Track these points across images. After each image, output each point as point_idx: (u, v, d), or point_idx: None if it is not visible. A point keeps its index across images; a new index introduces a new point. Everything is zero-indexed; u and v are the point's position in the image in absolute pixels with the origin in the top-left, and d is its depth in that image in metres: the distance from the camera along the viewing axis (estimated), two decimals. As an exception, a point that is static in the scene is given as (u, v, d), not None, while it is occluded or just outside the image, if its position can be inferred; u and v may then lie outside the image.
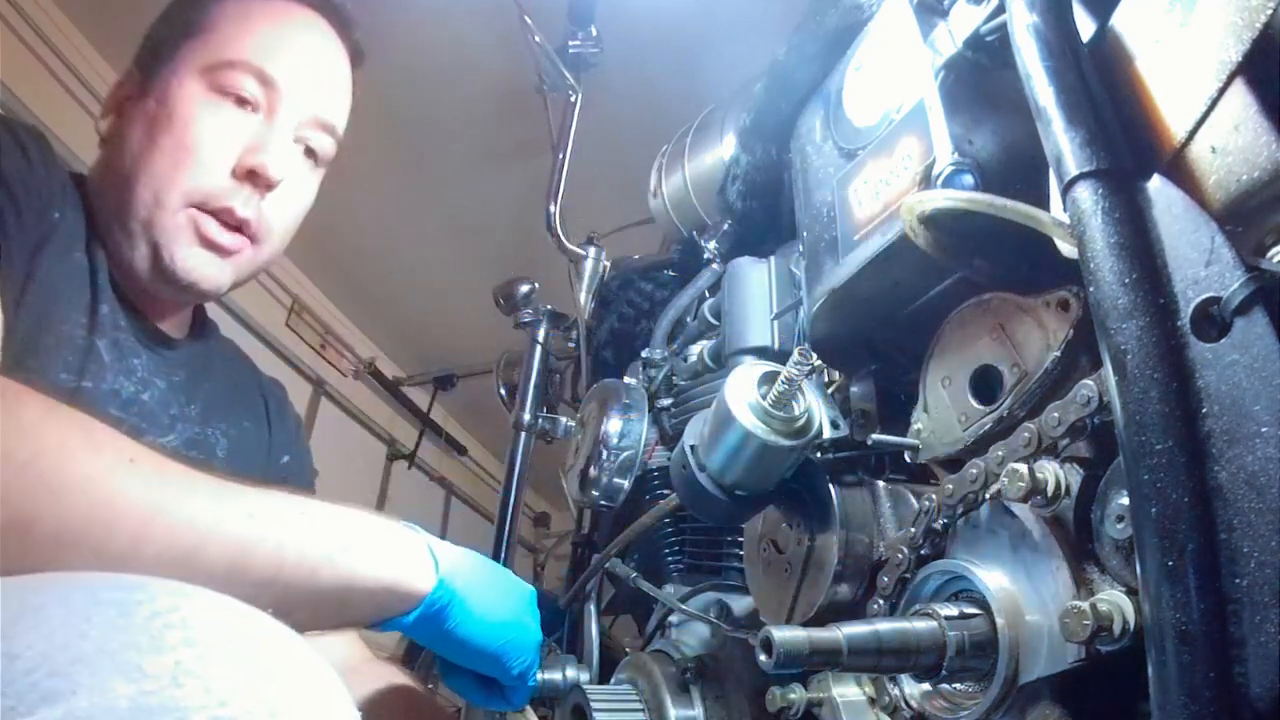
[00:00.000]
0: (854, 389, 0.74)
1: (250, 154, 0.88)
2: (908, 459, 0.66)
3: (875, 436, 0.67)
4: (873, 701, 0.65)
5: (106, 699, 0.36)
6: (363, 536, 0.65)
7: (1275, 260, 0.44)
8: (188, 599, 0.42)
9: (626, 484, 1.01)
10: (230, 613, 0.44)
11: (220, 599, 0.45)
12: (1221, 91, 0.45)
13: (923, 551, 0.61)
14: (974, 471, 0.57)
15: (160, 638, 0.39)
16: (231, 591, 0.49)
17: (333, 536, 0.62)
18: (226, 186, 0.88)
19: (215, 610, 0.43)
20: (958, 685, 0.58)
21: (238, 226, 0.89)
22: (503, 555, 1.47)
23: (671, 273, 1.21)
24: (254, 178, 0.89)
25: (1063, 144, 0.46)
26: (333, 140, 0.99)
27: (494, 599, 0.74)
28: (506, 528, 1.45)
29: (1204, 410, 0.40)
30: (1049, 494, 0.51)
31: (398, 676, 0.93)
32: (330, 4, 0.99)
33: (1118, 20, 0.52)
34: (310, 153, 0.97)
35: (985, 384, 0.60)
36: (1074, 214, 0.45)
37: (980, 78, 0.61)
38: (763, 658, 0.50)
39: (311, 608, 0.61)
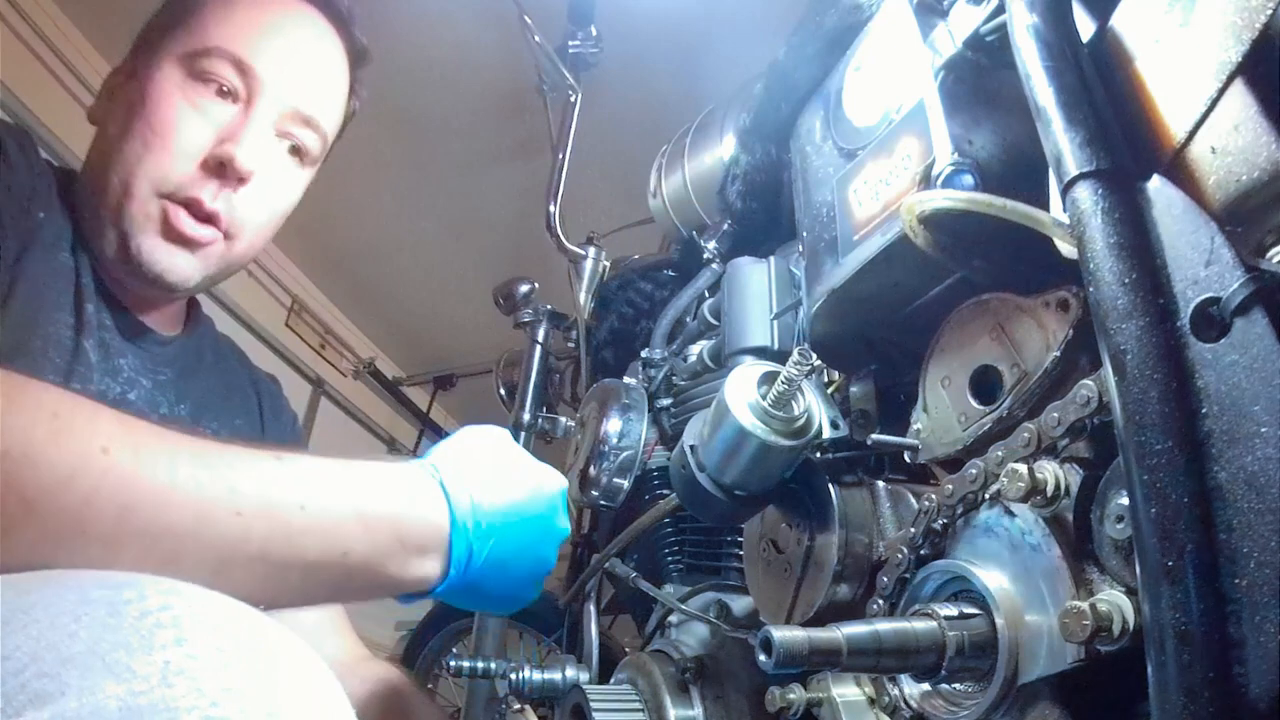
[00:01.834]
0: (854, 389, 0.74)
1: (221, 144, 0.86)
2: (907, 459, 0.66)
3: (875, 436, 0.67)
4: (872, 701, 0.65)
5: (96, 700, 0.35)
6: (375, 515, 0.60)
7: (1275, 260, 0.44)
8: (179, 597, 0.41)
9: (626, 484, 1.01)
10: (223, 610, 0.43)
11: (213, 596, 0.44)
12: (1221, 92, 0.45)
13: (922, 551, 0.61)
14: (973, 471, 0.57)
15: (150, 637, 0.38)
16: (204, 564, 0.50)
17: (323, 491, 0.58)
18: (194, 177, 0.85)
19: (208, 608, 0.42)
20: (957, 685, 0.58)
21: (208, 218, 0.86)
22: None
23: (671, 273, 1.21)
24: (223, 169, 0.86)
25: (1062, 144, 0.46)
26: (318, 136, 0.96)
27: (523, 543, 0.68)
28: (506, 528, 1.45)
29: (1204, 410, 0.40)
30: (1048, 494, 0.51)
31: (394, 675, 0.93)
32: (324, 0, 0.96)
33: (1117, 20, 0.52)
34: (294, 149, 0.94)
35: (985, 384, 0.60)
36: (1074, 214, 0.45)
37: (980, 78, 0.61)
38: (762, 658, 0.50)
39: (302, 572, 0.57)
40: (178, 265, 0.86)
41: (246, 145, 0.87)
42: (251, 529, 0.53)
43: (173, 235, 0.85)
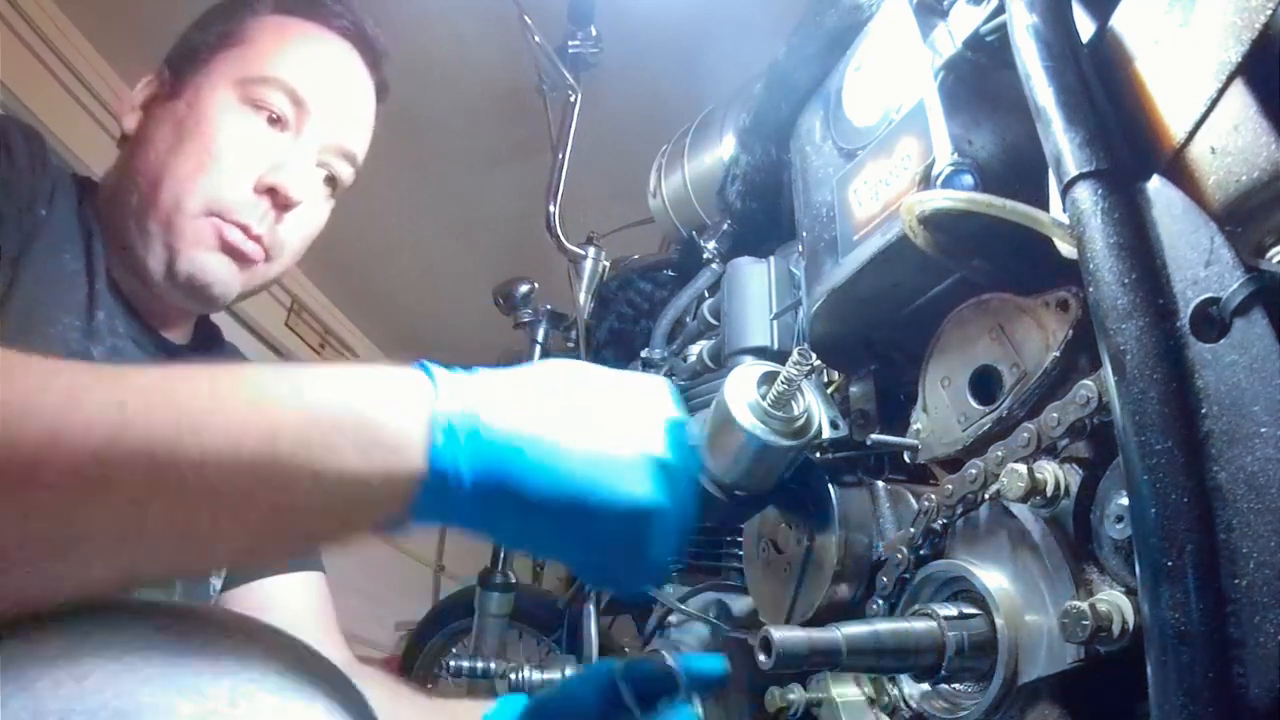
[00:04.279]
0: (854, 389, 0.74)
1: (273, 171, 0.89)
2: (907, 459, 0.66)
3: (875, 436, 0.67)
4: (872, 702, 0.65)
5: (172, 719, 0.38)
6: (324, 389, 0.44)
7: (1274, 260, 0.44)
8: (235, 629, 0.45)
9: (626, 484, 1.01)
10: (276, 640, 0.46)
11: (265, 628, 0.47)
12: (1221, 92, 0.45)
13: (922, 551, 0.61)
14: (973, 472, 0.57)
15: (216, 663, 0.41)
16: (164, 497, 0.39)
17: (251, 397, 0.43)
18: (246, 200, 0.88)
19: (263, 638, 0.46)
20: (957, 685, 0.58)
21: (255, 240, 0.90)
22: (501, 556, 1.47)
23: (671, 273, 1.21)
24: (274, 195, 0.89)
25: (1062, 144, 0.46)
26: (352, 169, 1.00)
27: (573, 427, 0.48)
28: (506, 528, 1.45)
29: (1203, 410, 0.40)
30: (1048, 494, 0.51)
31: (389, 681, 0.93)
32: (365, 37, 1.01)
33: (1117, 21, 0.52)
34: (330, 180, 0.98)
35: (985, 384, 0.60)
36: (1073, 214, 0.45)
37: (980, 78, 0.61)
38: (762, 658, 0.50)
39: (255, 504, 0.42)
40: (225, 277, 0.90)
41: (296, 174, 0.91)
42: (131, 419, 0.39)
43: (226, 248, 0.88)
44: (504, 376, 0.51)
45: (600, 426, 0.48)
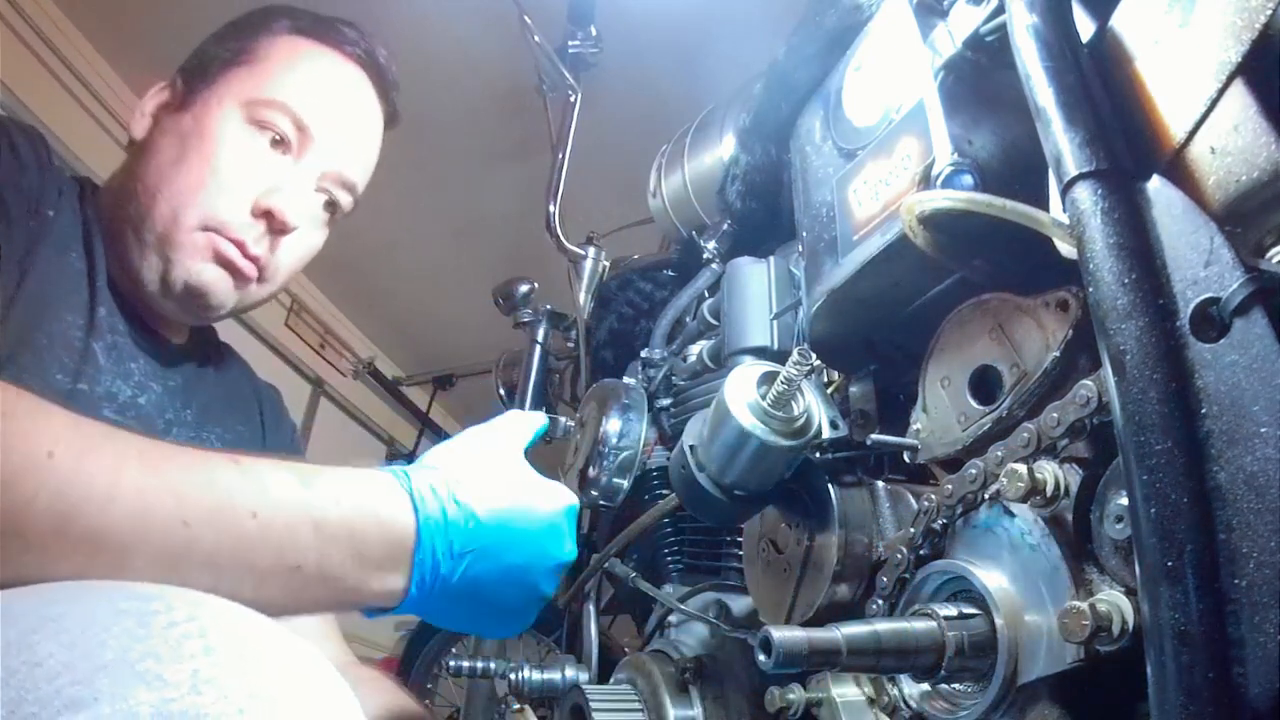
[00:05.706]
0: (853, 389, 0.74)
1: (270, 194, 0.89)
2: (907, 459, 0.66)
3: (874, 436, 0.67)
4: (872, 702, 0.65)
5: (129, 706, 0.36)
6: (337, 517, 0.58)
7: (1275, 261, 0.44)
8: (204, 609, 0.43)
9: (626, 484, 1.01)
10: (245, 623, 0.45)
11: (235, 608, 0.46)
12: (1221, 92, 0.45)
13: (922, 551, 0.61)
14: (973, 472, 0.57)
15: (179, 646, 0.40)
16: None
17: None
18: (243, 221, 0.89)
19: (230, 619, 0.44)
20: (957, 685, 0.58)
21: (251, 260, 0.91)
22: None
23: (671, 273, 1.21)
24: (270, 218, 0.90)
25: (1062, 144, 0.46)
26: (352, 198, 1.01)
27: (508, 566, 0.65)
28: (506, 527, 1.45)
29: (1203, 410, 0.40)
30: (1048, 494, 0.51)
31: (385, 682, 0.93)
32: (377, 65, 1.01)
33: (1117, 21, 0.52)
34: (330, 205, 0.99)
35: (984, 384, 0.60)
36: (1073, 214, 0.45)
37: (980, 78, 0.61)
38: (761, 658, 0.50)
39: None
40: (221, 290, 0.90)
41: (294, 199, 0.91)
42: (198, 538, 0.51)
43: (222, 260, 0.89)
44: (455, 474, 0.65)
45: (532, 516, 0.67)
